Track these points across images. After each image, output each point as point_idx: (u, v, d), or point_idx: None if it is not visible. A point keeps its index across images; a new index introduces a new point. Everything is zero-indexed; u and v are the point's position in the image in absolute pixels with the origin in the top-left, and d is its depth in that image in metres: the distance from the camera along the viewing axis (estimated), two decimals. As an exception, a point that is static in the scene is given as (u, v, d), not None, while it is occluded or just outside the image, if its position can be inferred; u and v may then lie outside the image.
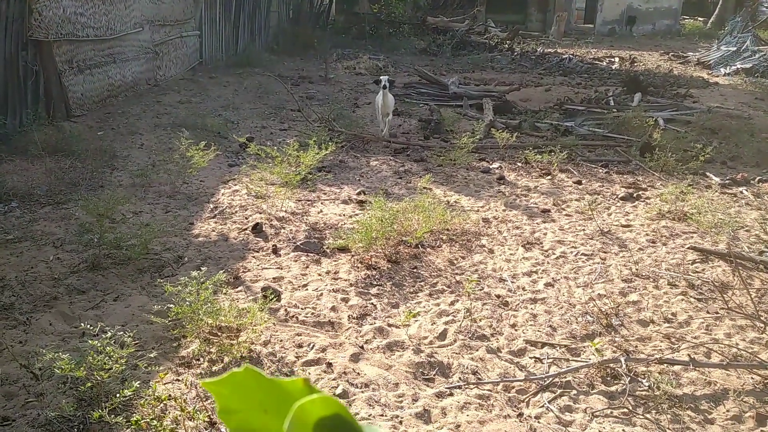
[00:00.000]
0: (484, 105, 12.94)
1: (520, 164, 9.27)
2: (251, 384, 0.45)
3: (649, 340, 4.56)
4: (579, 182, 8.47)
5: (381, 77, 9.98)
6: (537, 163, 8.90)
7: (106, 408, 3.23)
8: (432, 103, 13.35)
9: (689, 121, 12.06)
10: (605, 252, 6.15)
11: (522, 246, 6.24)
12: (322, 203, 7.36)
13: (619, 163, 9.53)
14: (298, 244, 6.03)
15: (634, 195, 7.94)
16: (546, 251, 6.14)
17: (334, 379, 3.89)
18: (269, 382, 0.45)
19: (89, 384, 3.39)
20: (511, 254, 6.05)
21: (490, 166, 9.12)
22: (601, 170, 9.12)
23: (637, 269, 5.72)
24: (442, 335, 4.53)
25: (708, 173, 8.92)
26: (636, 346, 4.46)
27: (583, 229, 6.72)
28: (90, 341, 3.54)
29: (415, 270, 5.62)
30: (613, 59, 23.23)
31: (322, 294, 5.06)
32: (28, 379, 3.70)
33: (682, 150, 9.23)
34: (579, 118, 12.30)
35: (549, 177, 8.63)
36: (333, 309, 4.82)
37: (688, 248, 6.22)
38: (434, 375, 4.05)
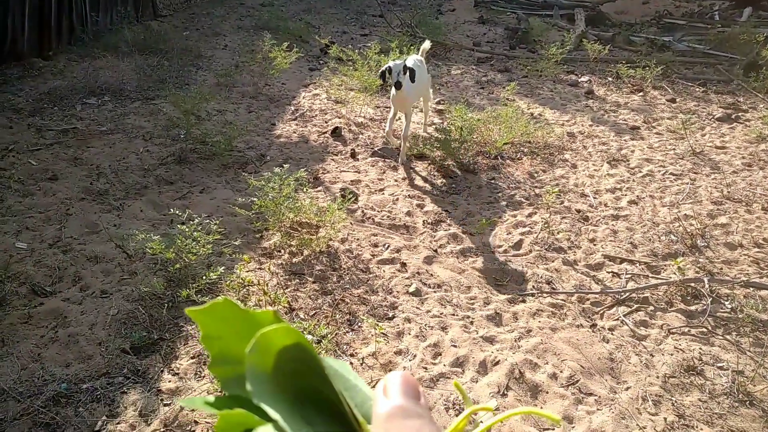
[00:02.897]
0: (575, 15, 12.23)
1: (610, 79, 8.81)
2: (229, 314, 0.49)
3: (736, 263, 4.37)
4: (673, 100, 7.98)
5: (390, 63, 5.38)
6: (629, 78, 8.43)
7: (193, 288, 3.42)
8: (520, 12, 12.75)
9: (804, 40, 11.01)
10: (696, 173, 5.84)
11: (607, 162, 6.01)
12: (401, 110, 7.27)
13: (718, 83, 8.89)
14: (376, 149, 6.02)
15: (733, 116, 7.42)
16: (632, 169, 5.89)
17: (407, 278, 3.95)
18: (244, 313, 0.49)
19: (177, 266, 3.59)
20: (595, 170, 5.84)
21: (579, 80, 8.71)
22: (698, 89, 8.54)
23: (729, 192, 5.43)
24: (518, 245, 4.49)
25: (820, 96, 8.22)
26: (721, 269, 4.29)
27: (674, 149, 6.39)
28: (179, 226, 3.71)
29: (492, 181, 5.54)
30: (722, -30, 21.24)
31: (398, 199, 5.08)
32: (123, 259, 3.95)
33: (794, 70, 8.49)
34: (678, 33, 11.45)
35: (641, 93, 8.18)
36: (408, 213, 4.85)
37: (789, 173, 5.84)
38: (507, 282, 4.05)
